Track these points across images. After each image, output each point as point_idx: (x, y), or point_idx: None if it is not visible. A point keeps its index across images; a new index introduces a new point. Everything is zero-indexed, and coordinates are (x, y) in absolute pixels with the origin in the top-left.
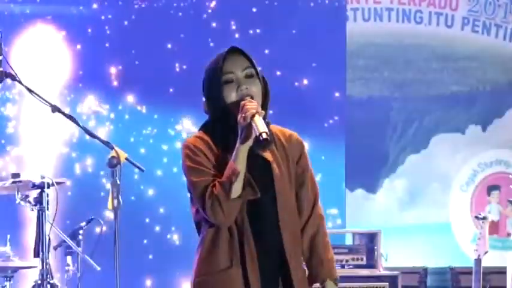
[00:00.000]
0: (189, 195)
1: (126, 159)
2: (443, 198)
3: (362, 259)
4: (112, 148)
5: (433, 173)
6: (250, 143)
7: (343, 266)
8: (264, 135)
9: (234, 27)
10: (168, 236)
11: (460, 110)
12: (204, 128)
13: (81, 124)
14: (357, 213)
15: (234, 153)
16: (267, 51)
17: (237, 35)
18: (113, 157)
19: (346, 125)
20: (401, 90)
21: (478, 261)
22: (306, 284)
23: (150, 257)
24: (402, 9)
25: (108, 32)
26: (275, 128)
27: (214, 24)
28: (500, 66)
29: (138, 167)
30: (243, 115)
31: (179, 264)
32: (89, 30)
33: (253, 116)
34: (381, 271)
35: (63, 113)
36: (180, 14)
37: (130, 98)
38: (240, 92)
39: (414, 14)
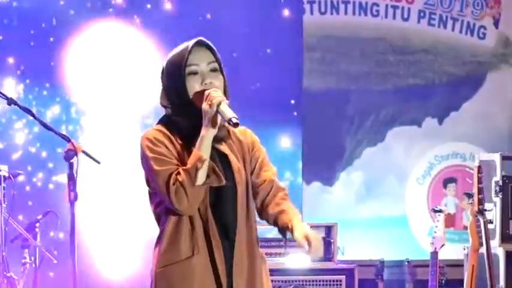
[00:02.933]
0: (148, 189)
1: (83, 151)
2: (399, 191)
3: None
4: (69, 141)
5: (390, 165)
6: (215, 130)
7: (301, 259)
8: (234, 120)
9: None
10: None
11: (416, 103)
12: (162, 122)
13: (37, 116)
14: (313, 206)
15: (198, 141)
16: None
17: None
18: (69, 150)
19: (302, 118)
20: (358, 83)
21: (434, 254)
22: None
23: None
24: (359, 2)
25: None
26: (241, 130)
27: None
28: (457, 59)
29: (95, 160)
30: (209, 102)
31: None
32: None
33: (219, 103)
34: (337, 264)
35: (20, 106)
36: None
37: None
38: (204, 85)
39: (371, 7)
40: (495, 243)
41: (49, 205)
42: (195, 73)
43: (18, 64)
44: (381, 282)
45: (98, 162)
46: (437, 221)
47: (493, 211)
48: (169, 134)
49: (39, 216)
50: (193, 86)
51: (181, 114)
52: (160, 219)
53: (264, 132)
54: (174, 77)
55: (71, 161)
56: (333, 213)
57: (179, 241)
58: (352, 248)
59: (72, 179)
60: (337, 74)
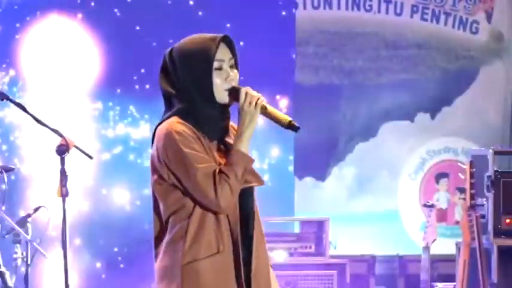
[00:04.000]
0: (157, 182)
1: (75, 146)
2: (391, 186)
3: (310, 247)
4: (61, 136)
5: (382, 160)
6: (253, 130)
7: (291, 254)
8: (295, 123)
9: None
10: None
11: (409, 98)
12: (179, 114)
13: (29, 112)
14: (305, 201)
15: (240, 141)
16: None
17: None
18: (61, 145)
19: (295, 113)
20: (351, 78)
21: (426, 249)
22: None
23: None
24: None
25: None
26: (233, 124)
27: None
28: (449, 54)
29: (87, 155)
30: (254, 102)
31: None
32: None
33: (265, 106)
34: (329, 259)
35: (12, 101)
36: None
37: None
38: (229, 82)
39: (364, 2)
40: (487, 238)
41: (42, 200)
42: (220, 68)
43: None
44: (373, 277)
45: (90, 157)
46: (429, 216)
47: (485, 206)
48: (192, 128)
49: (31, 211)
50: (217, 81)
51: (202, 108)
52: (176, 214)
53: (256, 126)
54: (200, 70)
55: (63, 156)
56: (325, 208)
57: (205, 237)
58: (344, 243)
59: (64, 174)
60: (329, 68)
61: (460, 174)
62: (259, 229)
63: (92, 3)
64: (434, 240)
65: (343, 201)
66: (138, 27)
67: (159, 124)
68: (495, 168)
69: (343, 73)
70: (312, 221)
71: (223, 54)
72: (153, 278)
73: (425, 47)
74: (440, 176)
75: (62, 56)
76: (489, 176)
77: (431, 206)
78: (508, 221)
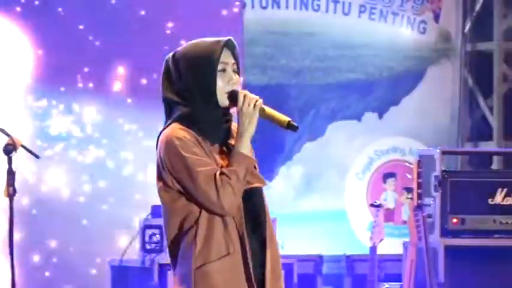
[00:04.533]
0: (162, 189)
1: (22, 146)
2: (339, 185)
3: None
4: (8, 135)
5: (330, 160)
6: (253, 131)
7: None
8: (294, 123)
9: None
10: None
11: (356, 98)
12: (180, 120)
13: None
14: None
15: (240, 143)
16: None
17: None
18: (8, 144)
19: None
20: (299, 78)
21: (373, 248)
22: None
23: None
24: None
25: None
26: (235, 126)
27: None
28: (397, 54)
29: (34, 154)
30: (252, 104)
31: None
32: None
33: (264, 108)
34: None
35: None
36: None
37: None
38: (232, 85)
39: (312, 2)
40: (434, 238)
41: None
42: (223, 70)
43: None
44: (320, 276)
45: (37, 157)
46: (377, 215)
47: (432, 206)
48: (193, 133)
49: None
50: (220, 83)
51: (203, 111)
52: (185, 220)
53: None
54: (203, 71)
55: (10, 155)
56: (272, 208)
57: (214, 240)
58: (291, 243)
59: (11, 173)
60: (278, 68)
61: (407, 174)
62: (270, 230)
63: (36, 2)
64: (382, 240)
65: (291, 201)
66: (81, 26)
67: (162, 131)
68: (442, 168)
69: (291, 73)
70: None
71: (226, 57)
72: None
73: (373, 47)
74: (387, 175)
75: (2, 53)
76: (436, 176)
77: (379, 205)
78: (455, 220)
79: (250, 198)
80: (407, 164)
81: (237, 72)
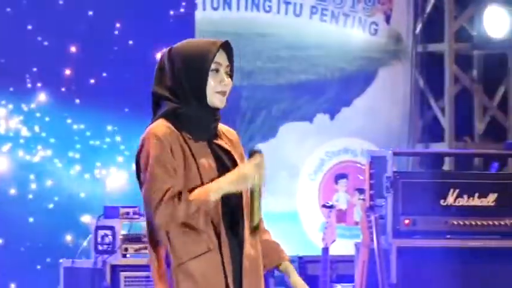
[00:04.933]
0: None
1: None
2: (291, 186)
3: None
4: None
5: (281, 161)
6: (231, 189)
7: None
8: (255, 223)
9: None
10: None
11: (308, 99)
12: (167, 115)
13: None
14: None
15: (216, 186)
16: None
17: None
18: None
19: None
20: (250, 79)
21: (325, 249)
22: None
23: None
24: None
25: None
26: (222, 127)
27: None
28: (348, 55)
29: None
30: (255, 176)
31: None
32: None
33: (259, 188)
34: None
35: None
36: None
37: None
38: (222, 86)
39: (263, 3)
40: (386, 238)
41: None
42: (216, 71)
43: None
44: (272, 278)
45: None
46: (329, 216)
47: (384, 207)
48: (177, 131)
49: None
50: (211, 82)
51: (192, 109)
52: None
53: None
54: (196, 69)
55: None
56: None
57: (193, 236)
58: None
59: None
60: None
61: (359, 175)
62: (247, 228)
63: None
64: (334, 241)
65: None
66: (30, 27)
67: (147, 126)
68: (394, 169)
69: (242, 74)
70: None
71: (221, 58)
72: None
73: (324, 48)
74: (339, 176)
75: None
76: (388, 177)
77: (331, 206)
78: (406, 221)
79: (228, 197)
80: (359, 165)
81: (231, 75)
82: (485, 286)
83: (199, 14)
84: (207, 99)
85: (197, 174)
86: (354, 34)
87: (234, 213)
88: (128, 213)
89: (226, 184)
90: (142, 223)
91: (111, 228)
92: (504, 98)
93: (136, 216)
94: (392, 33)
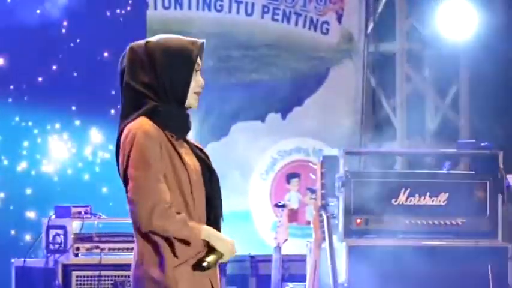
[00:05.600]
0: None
1: None
2: (243, 186)
3: None
4: None
5: (233, 160)
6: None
7: None
8: (205, 264)
9: None
10: None
11: (260, 98)
12: (150, 114)
13: None
14: None
15: (211, 232)
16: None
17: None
18: None
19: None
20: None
21: (277, 249)
22: None
23: None
24: None
25: None
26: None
27: None
28: (300, 54)
29: None
30: (230, 253)
31: None
32: None
33: (218, 258)
34: None
35: None
36: None
37: None
38: (200, 88)
39: (214, 2)
40: (338, 238)
41: None
42: (196, 71)
43: None
44: (224, 277)
45: None
46: (280, 216)
47: (336, 206)
48: (161, 129)
49: None
50: (192, 83)
51: (172, 108)
52: None
53: (108, 128)
54: (182, 69)
55: None
56: None
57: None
58: None
59: None
60: None
61: (311, 174)
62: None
63: None
64: (286, 240)
65: None
66: None
67: (127, 123)
68: (346, 169)
69: None
70: None
71: (199, 59)
72: None
73: (276, 48)
74: (291, 176)
75: None
76: (340, 177)
77: (283, 206)
78: (358, 221)
79: (212, 196)
80: (310, 165)
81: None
82: (437, 285)
83: (150, 13)
84: (187, 99)
85: (186, 174)
86: (306, 34)
87: (218, 214)
88: (79, 213)
89: (217, 238)
90: (94, 222)
91: (63, 227)
92: (456, 98)
93: (88, 216)
94: (344, 33)
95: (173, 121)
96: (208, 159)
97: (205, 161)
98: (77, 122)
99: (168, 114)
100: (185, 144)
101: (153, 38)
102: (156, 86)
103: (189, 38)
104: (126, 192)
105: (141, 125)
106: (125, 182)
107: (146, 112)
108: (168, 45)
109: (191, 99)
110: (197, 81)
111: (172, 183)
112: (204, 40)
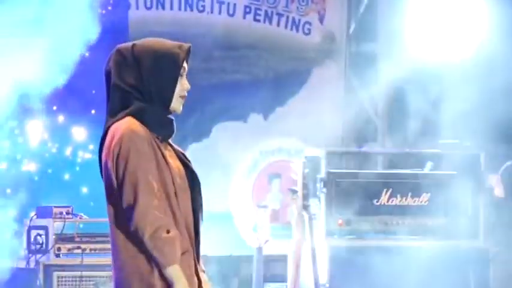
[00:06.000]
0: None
1: None
2: (224, 186)
3: None
4: None
5: (215, 161)
6: None
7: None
8: None
9: None
10: None
11: (242, 99)
12: (136, 114)
13: None
14: None
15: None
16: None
17: None
18: None
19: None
20: None
21: (259, 249)
22: None
23: None
24: None
25: None
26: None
27: None
28: (282, 55)
29: None
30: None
31: None
32: None
33: None
34: None
35: None
36: None
37: None
38: (185, 91)
39: (196, 3)
40: (319, 238)
41: None
42: (181, 76)
43: None
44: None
45: None
46: (262, 216)
47: (318, 206)
48: (146, 129)
49: None
50: (178, 87)
51: (157, 110)
52: None
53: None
54: (168, 73)
55: None
56: None
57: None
58: None
59: None
60: None
61: (292, 174)
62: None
63: None
64: (267, 240)
65: None
66: None
67: (113, 122)
68: (327, 169)
69: None
70: None
71: (185, 63)
72: None
73: (258, 48)
74: (273, 176)
75: None
76: (321, 177)
77: (264, 206)
78: (340, 221)
79: (195, 199)
80: (292, 165)
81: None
82: (419, 284)
83: (132, 14)
84: (172, 103)
85: (170, 176)
86: (288, 34)
87: (198, 216)
88: (61, 213)
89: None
90: (76, 223)
91: (44, 228)
92: (438, 98)
93: (70, 216)
94: (326, 33)
95: (158, 123)
96: (190, 164)
97: (188, 165)
98: (59, 122)
99: (154, 116)
100: (169, 147)
101: (140, 41)
102: (141, 89)
103: (175, 42)
104: (107, 189)
105: (129, 124)
106: (108, 181)
107: (133, 112)
108: (155, 48)
109: (176, 103)
110: (182, 85)
111: (158, 184)
112: (190, 44)
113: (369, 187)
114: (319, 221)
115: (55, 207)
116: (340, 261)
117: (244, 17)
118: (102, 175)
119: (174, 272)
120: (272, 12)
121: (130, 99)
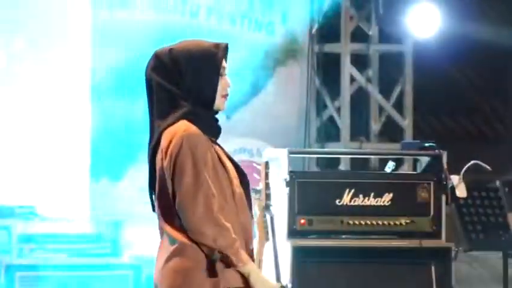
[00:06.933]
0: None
1: None
2: None
3: (107, 248)
4: None
5: None
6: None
7: (88, 255)
8: None
9: None
10: None
11: None
12: (189, 117)
13: None
14: (102, 202)
15: (254, 268)
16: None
17: None
18: None
19: (93, 112)
20: None
21: None
22: None
23: None
24: None
25: None
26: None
27: None
28: (245, 55)
29: None
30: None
31: None
32: None
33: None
34: (125, 259)
35: None
36: None
37: None
38: (227, 90)
39: (159, 3)
40: (282, 238)
41: None
42: (222, 75)
43: None
44: None
45: None
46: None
47: (280, 206)
48: (201, 132)
49: None
50: (219, 87)
51: (203, 112)
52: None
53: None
54: (208, 74)
55: None
56: (121, 209)
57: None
58: (141, 243)
59: None
60: None
61: (255, 174)
62: None
63: None
64: None
65: (139, 201)
66: None
67: (167, 126)
68: (290, 169)
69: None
70: (108, 221)
71: (224, 62)
72: None
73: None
74: None
75: None
76: (284, 177)
77: None
78: (302, 221)
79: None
80: (255, 165)
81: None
82: (382, 286)
83: (97, 15)
84: (215, 103)
85: (228, 180)
86: (251, 34)
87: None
88: (23, 213)
89: (258, 279)
90: (38, 223)
91: (7, 228)
92: (400, 98)
93: (32, 216)
94: (289, 33)
95: (208, 124)
96: (238, 163)
97: (238, 166)
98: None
99: (204, 118)
100: (219, 148)
101: (176, 45)
102: (185, 91)
103: (212, 41)
104: (164, 195)
105: (187, 127)
106: (161, 184)
107: (185, 115)
108: (192, 50)
109: (220, 103)
110: (224, 84)
111: (216, 188)
112: (227, 42)
113: (331, 187)
114: (281, 221)
115: (18, 207)
116: (303, 262)
117: (207, 18)
118: (151, 180)
119: (246, 268)
120: (235, 13)
121: (178, 99)
